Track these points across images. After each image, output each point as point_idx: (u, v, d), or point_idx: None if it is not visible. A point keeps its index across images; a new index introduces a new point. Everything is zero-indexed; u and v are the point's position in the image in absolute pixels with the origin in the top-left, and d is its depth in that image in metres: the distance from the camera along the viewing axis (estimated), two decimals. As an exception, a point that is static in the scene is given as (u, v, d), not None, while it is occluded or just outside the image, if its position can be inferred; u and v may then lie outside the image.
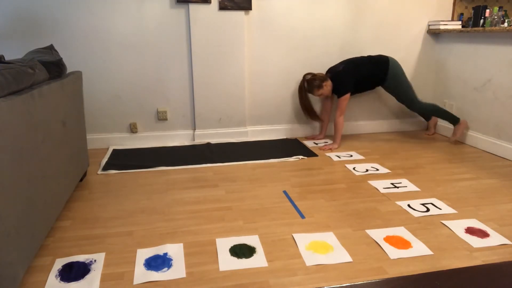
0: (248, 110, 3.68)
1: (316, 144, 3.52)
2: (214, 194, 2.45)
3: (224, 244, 1.85)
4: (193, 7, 3.29)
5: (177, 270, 1.65)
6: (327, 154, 3.22)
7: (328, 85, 3.35)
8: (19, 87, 1.65)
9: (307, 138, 3.72)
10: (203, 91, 3.50)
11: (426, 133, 3.86)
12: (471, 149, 3.34)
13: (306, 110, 3.55)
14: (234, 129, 3.64)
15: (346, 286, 0.72)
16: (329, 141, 3.59)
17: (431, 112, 3.42)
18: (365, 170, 2.83)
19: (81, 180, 2.65)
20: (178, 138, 3.59)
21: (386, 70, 3.33)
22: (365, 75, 3.34)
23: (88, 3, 3.16)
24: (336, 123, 3.35)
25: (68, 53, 3.24)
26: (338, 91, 3.34)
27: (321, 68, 3.69)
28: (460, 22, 3.66)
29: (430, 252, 1.77)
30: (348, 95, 3.31)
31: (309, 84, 3.36)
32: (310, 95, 3.62)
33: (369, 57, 3.42)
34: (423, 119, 4.02)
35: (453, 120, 3.42)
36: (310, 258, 1.73)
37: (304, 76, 3.45)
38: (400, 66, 3.37)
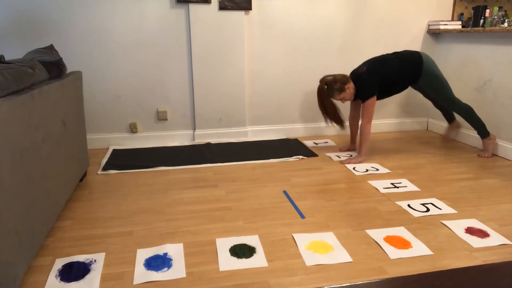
0: (248, 110, 3.68)
1: (339, 157, 3.14)
2: (214, 194, 2.45)
3: (224, 244, 1.85)
4: (193, 7, 3.29)
5: (177, 270, 1.65)
6: (327, 154, 3.22)
7: (350, 88, 2.95)
8: (19, 87, 1.65)
9: (340, 149, 3.31)
10: (203, 91, 3.50)
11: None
12: (471, 149, 3.34)
13: (328, 114, 3.05)
14: (234, 129, 3.64)
15: (346, 286, 0.72)
16: (354, 154, 3.21)
17: (463, 114, 3.06)
18: (365, 170, 2.83)
19: (81, 180, 2.65)
20: (178, 138, 3.59)
21: (419, 68, 2.95)
22: (392, 75, 2.96)
23: (88, 3, 3.16)
24: (362, 131, 2.94)
25: (68, 53, 3.24)
26: (362, 95, 2.94)
27: (320, 67, 3.69)
28: (460, 22, 3.66)
29: (430, 252, 1.77)
30: (373, 99, 2.92)
31: (329, 87, 2.95)
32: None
33: (396, 54, 3.03)
34: (421, 120, 4.02)
35: (483, 132, 3.07)
36: (310, 258, 1.73)
37: (324, 78, 2.99)
38: (434, 63, 3.00)
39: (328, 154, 3.21)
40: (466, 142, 3.49)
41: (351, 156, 3.16)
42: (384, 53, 3.75)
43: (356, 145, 3.30)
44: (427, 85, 3.00)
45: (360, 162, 2.98)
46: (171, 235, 1.95)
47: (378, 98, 3.05)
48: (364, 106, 2.94)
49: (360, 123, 2.92)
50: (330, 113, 3.04)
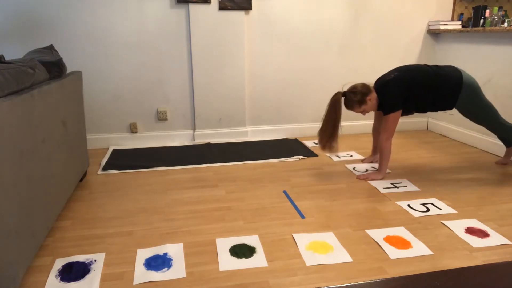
0: (248, 110, 3.68)
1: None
2: (214, 194, 2.45)
3: (224, 244, 1.85)
4: (193, 7, 3.29)
5: (177, 270, 1.65)
6: (327, 154, 3.22)
7: (373, 99, 2.57)
8: (19, 87, 1.65)
9: (363, 161, 3.01)
10: (203, 91, 3.50)
11: (498, 161, 2.96)
12: (471, 149, 3.34)
13: (330, 134, 2.58)
14: (234, 129, 3.64)
15: (346, 286, 0.72)
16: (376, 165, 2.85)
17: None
18: (365, 170, 2.83)
19: (81, 180, 2.65)
20: (178, 138, 3.59)
21: (457, 88, 2.52)
22: (424, 90, 2.53)
23: (88, 3, 3.16)
24: (381, 148, 2.59)
25: (68, 53, 3.24)
26: (385, 107, 2.57)
27: (320, 67, 3.69)
28: (460, 22, 3.66)
29: (430, 252, 1.77)
30: (397, 113, 2.53)
31: (347, 98, 2.57)
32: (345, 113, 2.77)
33: (436, 67, 2.59)
34: (421, 120, 4.02)
35: None
36: (310, 258, 1.73)
37: (342, 90, 2.61)
38: (476, 83, 2.55)
39: (328, 154, 3.20)
40: (465, 142, 3.49)
41: (367, 170, 2.83)
42: (384, 53, 3.76)
43: (378, 156, 2.93)
44: (467, 109, 2.59)
45: (379, 179, 2.64)
46: (171, 235, 1.95)
47: (403, 113, 2.64)
48: (385, 120, 2.57)
49: (380, 138, 2.61)
50: (333, 133, 2.58)
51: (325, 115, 2.60)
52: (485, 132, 3.27)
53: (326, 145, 2.61)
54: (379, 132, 2.85)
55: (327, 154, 3.18)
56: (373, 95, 2.58)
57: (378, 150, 2.71)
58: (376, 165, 2.93)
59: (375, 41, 3.72)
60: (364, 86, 2.57)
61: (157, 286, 1.56)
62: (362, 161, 3.02)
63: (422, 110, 2.64)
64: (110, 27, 3.24)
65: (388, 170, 2.80)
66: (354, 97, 2.54)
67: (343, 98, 2.58)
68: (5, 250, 1.36)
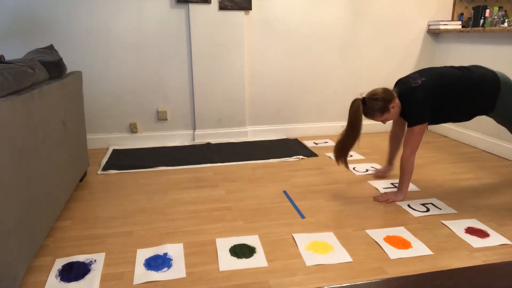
0: (248, 110, 3.68)
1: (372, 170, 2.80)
2: (214, 194, 2.45)
3: (224, 244, 1.85)
4: (193, 7, 3.29)
5: (177, 270, 1.65)
6: (327, 154, 3.22)
7: (396, 106, 2.24)
8: (19, 87, 1.65)
9: (377, 176, 2.71)
10: (203, 91, 3.50)
11: None
12: (471, 149, 3.34)
13: (348, 147, 2.29)
14: (234, 129, 3.64)
15: (346, 286, 0.72)
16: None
17: None
18: (365, 170, 2.83)
19: (81, 180, 2.65)
20: (178, 138, 3.59)
21: (495, 92, 2.21)
22: (456, 97, 2.21)
23: (88, 3, 3.16)
24: (403, 163, 2.26)
25: (68, 53, 3.24)
26: (409, 117, 2.25)
27: (320, 67, 3.69)
28: (460, 22, 3.66)
29: (430, 252, 1.77)
30: (424, 126, 2.21)
31: (368, 106, 2.21)
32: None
33: (466, 69, 2.26)
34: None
35: None
36: (310, 258, 1.73)
37: (361, 96, 2.27)
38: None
39: (328, 154, 3.20)
40: (465, 142, 3.49)
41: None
42: (384, 53, 3.76)
43: (393, 166, 2.70)
44: (506, 114, 2.28)
45: (399, 200, 2.32)
46: (171, 235, 1.95)
47: (429, 123, 2.33)
48: (409, 132, 2.24)
49: (402, 153, 2.28)
50: (351, 144, 2.28)
51: (346, 125, 2.26)
52: (485, 132, 3.27)
53: (341, 158, 2.34)
54: (399, 138, 2.58)
55: (328, 155, 3.19)
56: (396, 102, 2.24)
57: (400, 165, 2.30)
58: (375, 165, 2.93)
59: (375, 41, 3.72)
60: (386, 91, 2.23)
61: (157, 286, 1.56)
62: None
63: (455, 119, 2.33)
64: (110, 27, 3.24)
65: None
66: (375, 105, 2.20)
67: (364, 106, 2.24)
68: (5, 250, 1.36)
